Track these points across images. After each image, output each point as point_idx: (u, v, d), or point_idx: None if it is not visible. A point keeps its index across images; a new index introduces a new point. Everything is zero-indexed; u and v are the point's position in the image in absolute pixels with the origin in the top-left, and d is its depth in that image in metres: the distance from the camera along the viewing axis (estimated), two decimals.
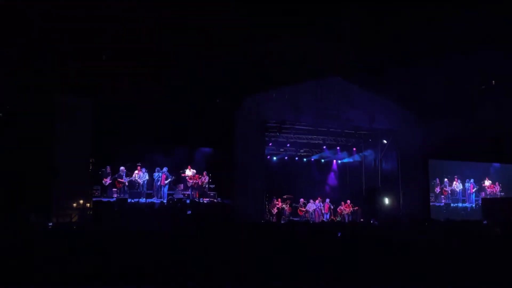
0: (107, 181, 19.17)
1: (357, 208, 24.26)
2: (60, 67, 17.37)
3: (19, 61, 16.80)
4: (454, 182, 25.73)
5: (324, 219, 23.51)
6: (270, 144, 23.99)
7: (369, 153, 25.80)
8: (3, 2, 15.59)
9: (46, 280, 6.94)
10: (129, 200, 18.81)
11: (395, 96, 22.63)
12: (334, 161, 28.08)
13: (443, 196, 25.42)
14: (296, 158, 27.14)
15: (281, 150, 25.74)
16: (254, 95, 20.53)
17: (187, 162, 20.74)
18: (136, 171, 19.64)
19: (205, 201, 20.15)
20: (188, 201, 19.53)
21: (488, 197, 25.88)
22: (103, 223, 16.11)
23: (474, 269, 7.55)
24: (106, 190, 19.15)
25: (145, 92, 18.93)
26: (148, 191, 19.87)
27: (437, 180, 25.38)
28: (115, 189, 19.33)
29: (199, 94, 19.59)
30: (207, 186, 20.83)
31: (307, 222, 18.92)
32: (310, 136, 24.40)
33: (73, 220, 16.81)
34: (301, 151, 26.48)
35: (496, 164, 27.21)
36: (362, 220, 23.06)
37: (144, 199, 19.44)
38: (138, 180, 19.64)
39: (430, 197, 24.47)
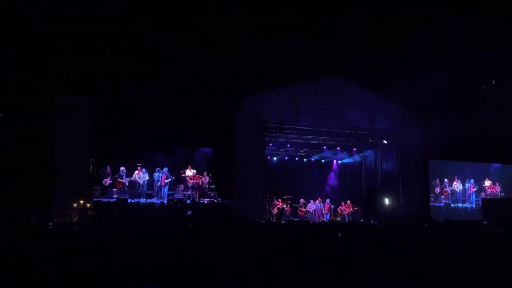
0: (107, 181, 19.16)
1: (357, 208, 24.25)
2: (60, 67, 17.37)
3: (19, 61, 16.80)
4: (454, 183, 25.72)
5: (324, 220, 23.49)
6: (270, 144, 23.98)
7: (369, 153, 25.79)
8: (4, 2, 15.59)
9: (46, 280, 6.94)
10: (129, 201, 18.78)
11: (395, 96, 22.62)
12: (334, 161, 28.08)
13: (443, 196, 25.41)
14: (296, 159, 27.14)
15: (281, 150, 25.74)
16: (254, 95, 20.51)
17: (187, 162, 20.73)
18: (136, 171, 19.63)
19: (205, 201, 20.13)
20: (188, 202, 19.51)
21: (488, 197, 25.87)
22: (103, 224, 16.10)
23: (474, 269, 7.55)
24: (106, 190, 19.14)
25: (145, 92, 18.93)
26: (148, 192, 19.86)
27: (437, 180, 25.37)
28: (115, 190, 19.32)
29: (199, 94, 19.59)
30: (207, 186, 20.81)
31: (307, 222, 18.90)
32: (310, 136, 24.39)
33: (74, 220, 16.80)
34: (301, 151, 26.48)
35: (496, 165, 27.20)
36: (362, 220, 23.06)
37: (144, 199, 19.42)
38: (138, 180, 19.62)
39: (430, 198, 24.45)
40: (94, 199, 18.24)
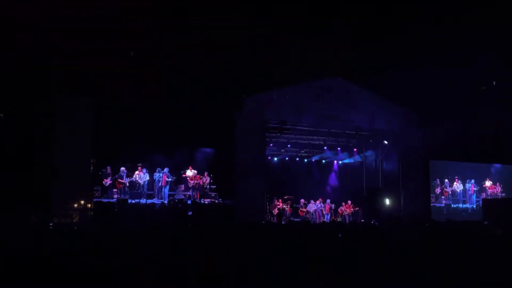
0: (108, 181, 19.13)
1: (358, 208, 24.22)
2: (60, 67, 17.37)
3: (20, 61, 16.80)
4: (455, 183, 25.69)
5: (325, 220, 23.47)
6: (271, 144, 23.97)
7: (369, 154, 25.77)
8: (4, 3, 15.60)
9: (47, 280, 6.94)
10: (129, 201, 18.76)
11: (396, 97, 22.61)
12: (335, 161, 28.07)
13: (443, 196, 25.38)
14: (297, 159, 27.15)
15: (282, 150, 25.73)
16: (255, 96, 20.49)
17: (188, 163, 20.71)
18: (137, 172, 19.60)
19: (206, 202, 20.11)
20: (189, 202, 19.48)
21: (489, 197, 25.83)
22: (104, 224, 16.10)
23: (475, 269, 7.55)
24: (106, 190, 19.11)
25: (145, 92, 18.93)
26: (149, 192, 19.81)
27: (438, 180, 25.34)
28: (116, 190, 19.28)
29: (200, 94, 19.58)
30: (208, 186, 20.78)
31: (307, 223, 18.89)
32: (311, 137, 24.37)
33: (74, 220, 16.80)
34: (302, 151, 26.48)
35: (497, 165, 27.18)
36: (362, 220, 23.03)
37: (144, 200, 19.39)
38: (139, 180, 19.59)
39: (431, 198, 24.43)
40: (95, 200, 18.23)
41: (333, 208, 24.20)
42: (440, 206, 24.99)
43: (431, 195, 24.58)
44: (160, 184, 19.93)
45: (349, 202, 24.42)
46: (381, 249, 9.15)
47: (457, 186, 25.69)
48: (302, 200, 24.38)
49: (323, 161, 27.93)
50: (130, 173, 19.47)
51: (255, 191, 19.96)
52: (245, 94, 20.08)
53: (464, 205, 25.79)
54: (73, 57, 17.52)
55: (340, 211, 24.17)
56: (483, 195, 26.05)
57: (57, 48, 17.29)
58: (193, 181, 20.42)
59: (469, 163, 26.19)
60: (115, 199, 18.75)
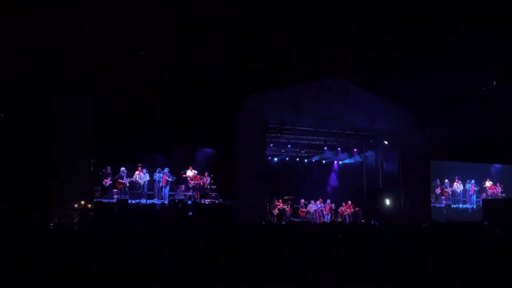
0: (108, 181, 19.13)
1: (358, 209, 24.25)
2: (60, 67, 17.37)
3: (20, 61, 16.80)
4: (455, 183, 25.71)
5: (325, 220, 23.48)
6: (271, 145, 24.01)
7: (370, 154, 25.80)
8: (4, 3, 15.59)
9: (47, 281, 6.94)
10: (129, 201, 18.77)
11: (396, 97, 22.60)
12: (335, 162, 28.09)
13: (443, 197, 25.40)
14: (297, 159, 27.18)
15: (282, 151, 25.77)
16: (255, 96, 20.50)
17: (188, 163, 20.71)
18: (137, 172, 19.60)
19: (206, 202, 20.11)
20: (189, 202, 19.49)
21: (489, 198, 25.84)
22: (104, 224, 16.09)
23: (475, 270, 7.54)
24: (106, 191, 19.11)
25: (145, 92, 18.93)
26: (149, 192, 19.82)
27: (438, 181, 25.35)
28: (116, 190, 19.28)
29: (200, 94, 19.57)
30: (208, 187, 20.78)
31: (308, 223, 18.90)
32: (311, 137, 24.39)
33: (74, 220, 16.81)
34: (302, 152, 26.52)
35: (497, 165, 27.19)
36: (363, 221, 23.05)
37: (145, 200, 19.40)
38: (139, 180, 19.59)
39: (431, 198, 24.44)
40: (95, 200, 18.23)
41: (333, 208, 24.23)
42: (440, 207, 25.01)
43: (431, 195, 24.59)
44: (160, 185, 19.93)
45: (349, 202, 24.45)
46: (381, 249, 9.15)
47: (457, 186, 25.71)
48: (302, 201, 24.41)
49: (323, 161, 27.96)
50: (130, 173, 19.47)
51: (255, 192, 19.98)
52: (245, 94, 20.08)
53: (464, 206, 25.82)
54: (73, 57, 17.51)
55: (340, 212, 24.19)
56: (483, 196, 26.07)
57: (57, 48, 17.28)
58: (193, 182, 20.42)
59: (469, 163, 26.21)
60: (115, 200, 18.77)
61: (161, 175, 19.88)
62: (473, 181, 26.13)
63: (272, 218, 22.33)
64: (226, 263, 7.76)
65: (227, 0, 17.27)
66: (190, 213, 18.30)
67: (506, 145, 25.09)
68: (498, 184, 26.81)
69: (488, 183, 26.64)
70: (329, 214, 24.02)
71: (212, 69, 19.41)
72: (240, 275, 7.24)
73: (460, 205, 25.69)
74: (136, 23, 17.42)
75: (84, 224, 16.43)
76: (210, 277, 7.19)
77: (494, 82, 22.03)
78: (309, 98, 21.28)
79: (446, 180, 25.60)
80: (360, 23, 19.51)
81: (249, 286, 7.02)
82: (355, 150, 26.34)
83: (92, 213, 17.73)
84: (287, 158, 26.86)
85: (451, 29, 19.02)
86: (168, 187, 20.02)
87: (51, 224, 15.45)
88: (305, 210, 24.00)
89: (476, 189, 26.14)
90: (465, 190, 25.99)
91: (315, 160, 27.68)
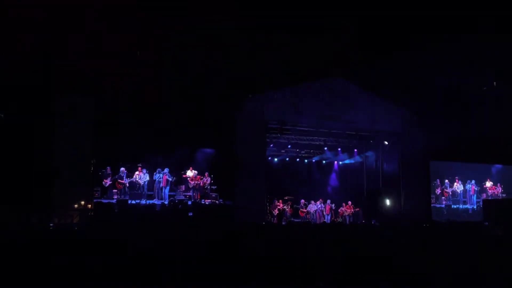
0: (107, 182, 19.08)
1: (358, 209, 24.22)
2: (60, 67, 17.36)
3: (20, 61, 16.80)
4: (455, 183, 25.69)
5: (325, 220, 23.46)
6: (271, 145, 23.99)
7: (370, 154, 25.77)
8: (4, 3, 15.59)
9: (47, 281, 6.94)
10: (129, 202, 18.74)
11: (396, 97, 22.59)
12: (335, 162, 28.07)
13: (444, 197, 25.38)
14: (297, 159, 27.16)
15: (282, 151, 25.74)
16: (255, 96, 20.48)
17: (188, 163, 20.69)
18: (137, 172, 19.56)
19: (206, 203, 20.08)
20: (190, 203, 19.46)
21: (490, 198, 25.82)
22: (104, 225, 16.09)
23: (475, 270, 7.54)
24: (106, 191, 19.07)
25: (145, 92, 18.92)
26: (149, 193, 19.77)
27: (438, 181, 25.33)
28: (116, 190, 19.24)
29: (200, 94, 19.56)
30: (209, 187, 20.74)
31: (308, 223, 18.89)
32: (311, 138, 24.37)
33: (74, 221, 16.80)
34: (302, 152, 26.50)
35: (498, 165, 27.17)
36: (363, 221, 23.03)
37: (145, 200, 19.36)
38: (139, 181, 19.55)
39: (431, 199, 24.42)
40: (95, 200, 18.21)
41: (333, 208, 24.21)
42: (440, 207, 24.99)
43: (431, 196, 24.56)
44: (160, 185, 19.89)
45: (350, 202, 24.43)
46: (381, 249, 9.14)
47: (458, 186, 25.69)
48: (303, 201, 24.38)
49: (324, 161, 27.93)
50: (130, 174, 19.44)
51: (256, 192, 19.95)
52: (245, 94, 20.07)
53: (465, 206, 25.78)
54: (73, 57, 17.51)
55: (340, 212, 24.17)
56: (484, 196, 26.04)
57: (57, 48, 17.28)
58: (193, 182, 20.39)
59: (470, 164, 26.18)
60: (115, 200, 18.73)
61: (161, 175, 19.83)
62: (473, 182, 26.12)
63: (272, 219, 22.31)
64: (226, 263, 7.75)
65: (227, 0, 17.26)
66: (190, 214, 18.26)
67: (506, 145, 25.09)
68: (498, 185, 26.78)
69: (488, 184, 26.61)
70: (329, 215, 24.00)
71: (212, 69, 19.40)
72: (240, 275, 7.24)
73: (461, 206, 25.66)
74: (136, 23, 17.42)
75: (84, 224, 16.42)
76: (210, 277, 7.18)
77: (494, 82, 22.02)
78: (309, 98, 21.25)
79: (446, 181, 25.58)
80: (360, 23, 19.51)
81: (249, 286, 7.02)
82: (355, 150, 26.30)
83: (92, 214, 17.71)
84: (287, 159, 26.83)
85: (451, 29, 19.03)
86: (168, 188, 19.97)
87: (51, 224, 15.44)
88: (305, 210, 23.98)
89: (476, 189, 26.11)
90: (465, 191, 25.97)
91: (315, 161, 27.66)
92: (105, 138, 18.26)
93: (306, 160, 27.43)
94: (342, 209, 24.19)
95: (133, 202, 18.91)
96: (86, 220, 17.19)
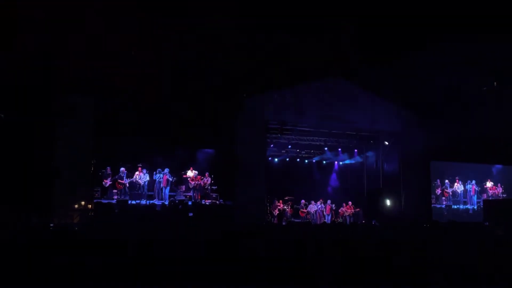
0: (107, 182, 19.07)
1: (358, 209, 24.21)
2: (60, 67, 17.37)
3: (20, 61, 16.80)
4: (456, 184, 25.67)
5: (326, 221, 23.45)
6: (272, 145, 23.98)
7: (370, 155, 25.75)
8: (4, 3, 15.60)
9: (47, 281, 6.94)
10: (129, 202, 18.72)
11: (396, 97, 22.58)
12: (336, 162, 28.06)
13: (444, 197, 25.36)
14: (298, 160, 27.15)
15: (283, 151, 25.73)
16: (255, 96, 20.48)
17: (188, 163, 20.67)
18: (137, 172, 19.55)
19: (207, 203, 20.06)
20: (190, 203, 19.44)
21: (490, 198, 25.80)
22: (104, 225, 16.07)
23: (476, 270, 7.53)
24: (106, 191, 19.06)
25: (145, 92, 18.92)
26: (149, 193, 19.75)
27: (438, 181, 25.31)
28: (116, 191, 19.22)
29: (200, 94, 19.56)
30: (209, 187, 20.73)
31: (308, 223, 18.87)
32: (311, 138, 24.35)
33: (75, 221, 16.80)
34: (303, 152, 26.49)
35: (498, 166, 27.15)
36: (363, 221, 23.02)
37: (145, 200, 19.34)
38: (139, 181, 19.54)
39: (431, 199, 24.41)
40: (95, 200, 18.20)
41: (333, 209, 24.21)
42: (440, 207, 24.97)
43: (432, 196, 24.55)
44: (161, 185, 19.88)
45: (350, 203, 24.42)
46: (381, 249, 9.13)
47: (458, 187, 25.67)
48: (303, 201, 24.38)
49: (324, 161, 27.91)
50: (130, 174, 19.43)
51: (256, 192, 19.93)
52: (245, 94, 20.06)
53: (465, 206, 25.76)
54: (73, 57, 17.51)
55: (340, 212, 24.16)
56: (484, 196, 26.02)
57: (57, 48, 17.28)
58: (194, 182, 20.38)
59: (470, 164, 26.15)
60: (115, 200, 18.72)
61: (161, 175, 19.82)
62: (473, 182, 26.09)
63: (272, 219, 22.31)
64: (226, 263, 7.75)
65: (227, 0, 17.27)
66: (191, 214, 18.24)
67: (507, 145, 25.07)
68: (499, 185, 26.76)
69: (489, 184, 26.58)
70: (330, 215, 24.00)
71: (212, 69, 19.40)
72: (240, 275, 7.23)
73: (461, 206, 25.64)
74: (136, 23, 17.42)
75: (84, 225, 16.41)
76: (210, 277, 7.18)
77: (495, 82, 22.02)
78: (310, 99, 21.24)
79: (447, 181, 25.56)
80: (360, 23, 19.51)
81: (249, 286, 7.01)
82: (356, 150, 26.28)
83: (92, 214, 17.70)
84: (287, 159, 26.82)
85: (451, 29, 19.03)
86: (168, 188, 19.96)
87: (51, 224, 15.42)
88: (305, 210, 23.98)
89: (477, 189, 26.09)
90: (465, 191, 25.95)
91: (316, 161, 27.65)
92: (105, 138, 18.25)
93: (306, 160, 27.42)
94: (342, 209, 24.18)
95: (133, 202, 18.90)
96: (86, 220, 17.18)
